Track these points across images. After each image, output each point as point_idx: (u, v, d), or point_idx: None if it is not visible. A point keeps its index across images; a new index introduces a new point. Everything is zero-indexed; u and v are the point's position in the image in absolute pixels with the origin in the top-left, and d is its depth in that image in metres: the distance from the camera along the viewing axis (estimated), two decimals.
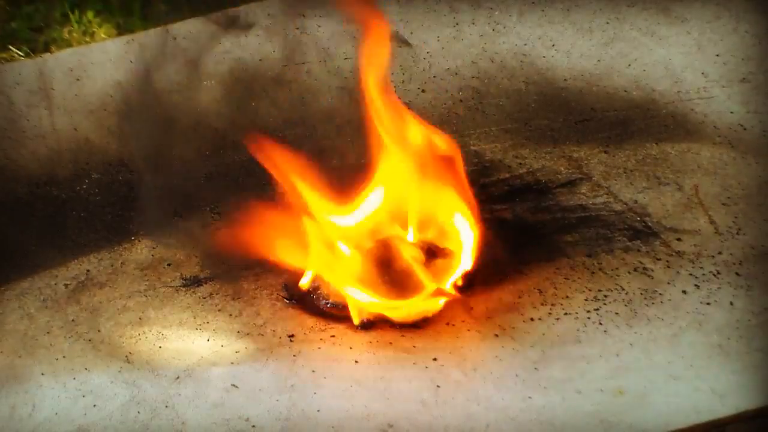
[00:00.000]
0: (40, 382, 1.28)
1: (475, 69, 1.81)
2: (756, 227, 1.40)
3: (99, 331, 1.37)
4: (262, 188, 1.64)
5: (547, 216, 1.51)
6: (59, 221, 1.60)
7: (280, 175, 1.39)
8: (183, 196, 1.64)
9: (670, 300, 1.29)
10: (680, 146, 1.60)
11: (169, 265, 1.50)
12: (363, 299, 1.32)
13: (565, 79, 1.77)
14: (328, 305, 1.38)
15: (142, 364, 1.29)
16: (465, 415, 1.15)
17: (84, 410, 1.22)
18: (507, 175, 1.60)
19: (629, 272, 1.36)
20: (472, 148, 1.65)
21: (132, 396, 1.23)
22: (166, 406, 1.20)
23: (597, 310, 1.30)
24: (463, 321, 1.32)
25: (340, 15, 1.90)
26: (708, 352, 1.20)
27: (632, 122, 1.66)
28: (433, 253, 1.36)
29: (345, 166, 1.64)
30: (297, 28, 1.86)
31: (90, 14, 2.46)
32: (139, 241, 1.56)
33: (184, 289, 1.44)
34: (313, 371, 1.24)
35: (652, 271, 1.35)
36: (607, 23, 1.85)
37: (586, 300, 1.32)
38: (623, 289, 1.33)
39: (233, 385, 1.22)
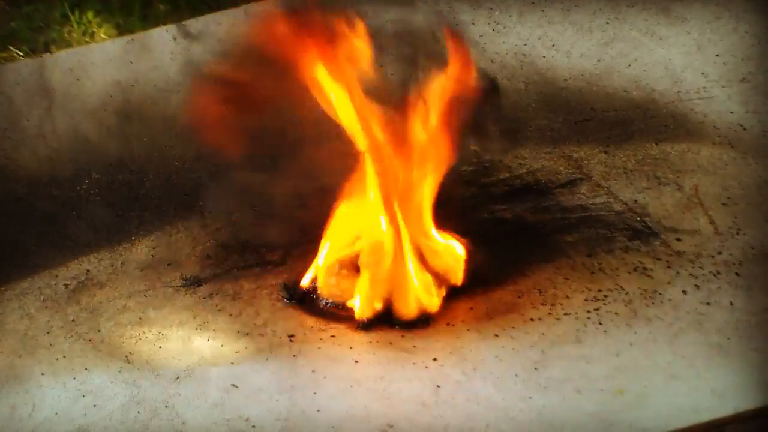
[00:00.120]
0: (40, 382, 1.28)
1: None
2: (756, 227, 1.40)
3: (99, 331, 1.37)
4: (263, 189, 1.64)
5: (547, 216, 1.51)
6: (59, 221, 1.60)
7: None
8: (183, 196, 1.64)
9: (670, 300, 1.29)
10: (680, 146, 1.60)
11: (169, 265, 1.50)
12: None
13: (565, 79, 1.77)
14: (328, 305, 1.38)
15: (142, 364, 1.29)
16: (465, 415, 1.15)
17: (84, 410, 1.22)
18: (507, 175, 1.60)
19: (629, 272, 1.36)
20: (472, 148, 1.65)
21: (132, 396, 1.23)
22: (166, 406, 1.20)
23: (597, 310, 1.30)
24: (463, 321, 1.32)
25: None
26: (708, 352, 1.20)
27: (632, 122, 1.66)
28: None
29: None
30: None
31: (90, 14, 2.46)
32: (139, 241, 1.56)
33: (184, 289, 1.45)
34: (313, 371, 1.24)
35: (652, 271, 1.35)
36: (607, 23, 1.85)
37: (586, 300, 1.32)
38: (623, 289, 1.33)
39: (233, 385, 1.22)
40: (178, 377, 1.25)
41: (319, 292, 1.40)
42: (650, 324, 1.26)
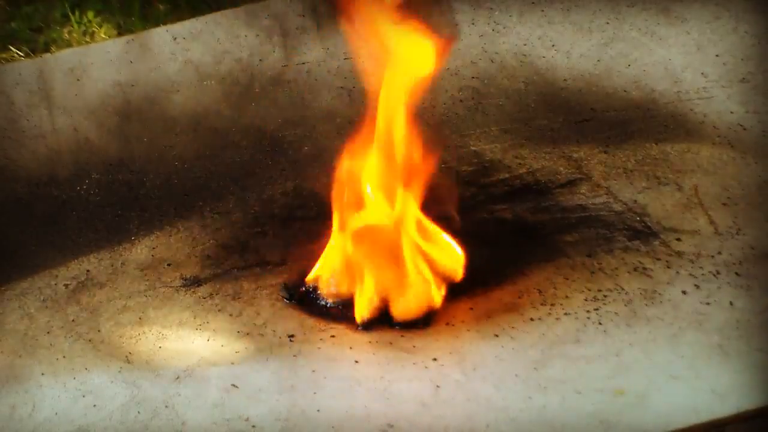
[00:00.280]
0: (40, 382, 1.28)
1: (475, 69, 1.81)
2: (756, 227, 1.40)
3: (99, 331, 1.37)
4: (263, 189, 1.64)
5: (547, 216, 1.51)
6: (59, 221, 1.60)
7: None
8: (183, 196, 1.64)
9: (669, 300, 1.29)
10: (680, 146, 1.60)
11: (169, 265, 1.50)
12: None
13: (564, 79, 1.77)
14: (328, 305, 1.38)
15: (142, 364, 1.29)
16: (465, 415, 1.15)
17: (84, 410, 1.22)
18: (507, 175, 1.60)
19: (629, 272, 1.36)
20: (472, 148, 1.65)
21: (132, 396, 1.23)
22: (166, 406, 1.20)
23: (597, 310, 1.30)
24: (463, 321, 1.32)
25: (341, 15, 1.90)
26: (708, 352, 1.20)
27: (632, 122, 1.66)
28: None
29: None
30: (297, 28, 1.86)
31: (90, 14, 2.46)
32: (139, 241, 1.56)
33: (184, 289, 1.45)
34: (313, 371, 1.24)
35: (652, 271, 1.35)
36: (607, 23, 1.85)
37: (586, 300, 1.32)
38: (623, 289, 1.33)
39: (233, 385, 1.22)
40: (178, 377, 1.25)
41: (319, 292, 1.40)
42: (650, 324, 1.26)
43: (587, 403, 1.14)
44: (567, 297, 1.33)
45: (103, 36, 2.37)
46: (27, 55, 2.27)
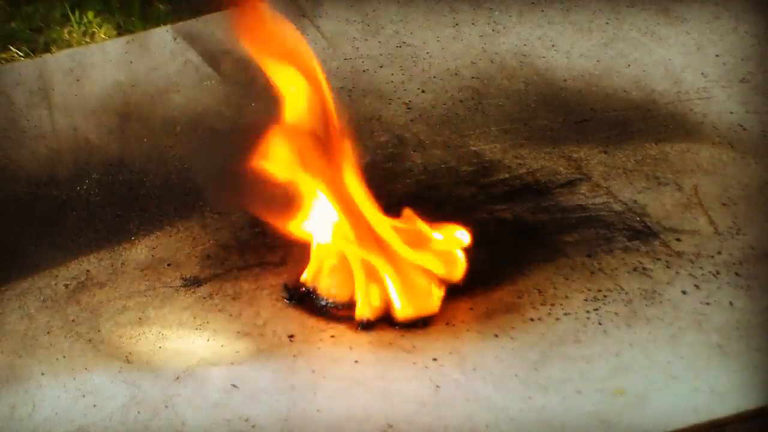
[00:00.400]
0: (40, 382, 1.28)
1: (475, 69, 1.81)
2: (756, 227, 1.40)
3: (99, 331, 1.37)
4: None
5: (546, 216, 1.51)
6: (59, 221, 1.60)
7: None
8: (183, 196, 1.64)
9: (669, 300, 1.29)
10: (680, 146, 1.60)
11: (169, 265, 1.50)
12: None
13: (564, 80, 1.77)
14: (328, 305, 1.38)
15: (142, 364, 1.29)
16: (465, 415, 1.15)
17: (84, 410, 1.22)
18: (507, 175, 1.59)
19: (629, 272, 1.36)
20: (472, 148, 1.65)
21: (132, 396, 1.23)
22: (166, 406, 1.20)
23: (597, 310, 1.30)
24: (463, 321, 1.32)
25: (340, 15, 1.90)
26: (708, 352, 1.20)
27: (632, 122, 1.66)
28: None
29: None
30: (297, 28, 1.86)
31: (90, 14, 2.46)
32: (139, 241, 1.56)
33: (184, 289, 1.44)
34: (313, 371, 1.24)
35: (652, 271, 1.35)
36: (607, 23, 1.85)
37: (585, 300, 1.32)
38: (623, 289, 1.33)
39: (233, 385, 1.22)
40: (178, 377, 1.25)
41: (319, 292, 1.40)
42: (650, 324, 1.26)
43: (587, 403, 1.14)
44: (567, 297, 1.33)
45: (103, 36, 2.37)
46: (27, 55, 2.27)
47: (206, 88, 1.78)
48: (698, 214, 1.45)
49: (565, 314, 1.30)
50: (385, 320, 1.34)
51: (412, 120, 1.72)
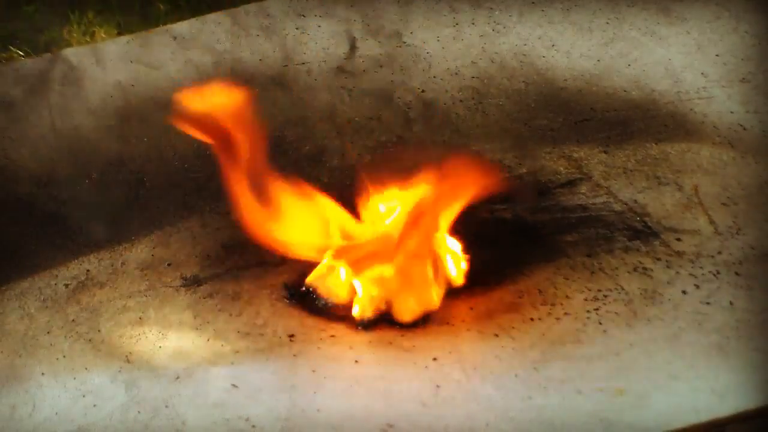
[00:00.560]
0: (41, 381, 1.28)
1: (475, 69, 1.81)
2: (756, 227, 1.40)
3: (99, 331, 1.37)
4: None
5: (547, 216, 1.51)
6: (59, 221, 1.60)
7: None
8: (183, 196, 1.64)
9: (670, 300, 1.29)
10: (680, 146, 1.60)
11: (169, 265, 1.50)
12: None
13: (565, 79, 1.77)
14: (328, 305, 1.38)
15: (142, 364, 1.29)
16: (465, 415, 1.15)
17: (84, 410, 1.22)
18: (507, 175, 1.60)
19: (629, 272, 1.36)
20: (472, 148, 1.65)
21: (132, 396, 1.23)
22: (166, 406, 1.20)
23: (597, 310, 1.30)
24: (463, 321, 1.32)
25: (341, 15, 1.90)
26: (708, 352, 1.20)
27: (632, 122, 1.66)
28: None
29: (345, 165, 1.64)
30: (297, 28, 1.86)
31: (90, 14, 2.46)
32: (139, 241, 1.56)
33: (184, 289, 1.44)
34: (313, 371, 1.24)
35: (652, 271, 1.35)
36: (607, 23, 1.85)
37: (586, 300, 1.32)
38: (623, 289, 1.33)
39: (233, 385, 1.22)
40: (178, 377, 1.25)
41: (319, 292, 1.40)
42: (650, 324, 1.26)
43: (587, 402, 1.14)
44: (567, 297, 1.33)
45: (103, 36, 2.37)
46: (27, 55, 2.27)
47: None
48: (698, 213, 1.45)
49: (566, 314, 1.30)
50: (385, 320, 1.34)
51: (412, 120, 1.72)
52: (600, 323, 1.27)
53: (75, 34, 2.40)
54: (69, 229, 1.59)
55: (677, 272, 1.34)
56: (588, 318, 1.29)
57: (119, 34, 2.34)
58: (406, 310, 1.34)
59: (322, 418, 1.16)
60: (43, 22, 2.47)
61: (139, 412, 1.20)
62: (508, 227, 1.51)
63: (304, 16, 1.88)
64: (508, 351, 1.25)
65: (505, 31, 1.86)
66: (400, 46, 1.86)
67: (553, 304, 1.32)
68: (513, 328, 1.29)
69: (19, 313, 1.43)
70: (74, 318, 1.41)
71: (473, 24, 1.88)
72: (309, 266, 1.44)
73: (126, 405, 1.21)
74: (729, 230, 1.41)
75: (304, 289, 1.41)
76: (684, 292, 1.30)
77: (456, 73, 1.80)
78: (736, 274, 1.32)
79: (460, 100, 1.75)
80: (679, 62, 1.75)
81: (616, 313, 1.29)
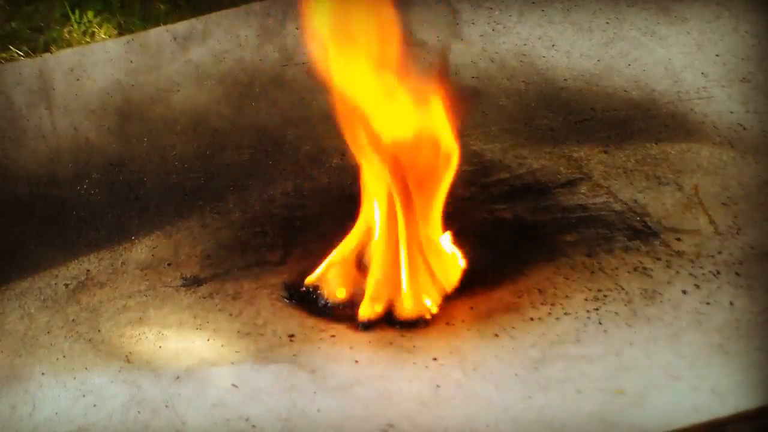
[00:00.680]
0: (41, 381, 1.28)
1: (475, 69, 1.81)
2: (756, 227, 1.40)
3: (99, 331, 1.37)
4: (263, 189, 1.64)
5: (547, 216, 1.51)
6: (59, 221, 1.60)
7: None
8: (183, 196, 1.64)
9: (670, 300, 1.29)
10: (680, 146, 1.60)
11: (169, 265, 1.50)
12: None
13: (565, 79, 1.77)
14: (328, 305, 1.38)
15: (142, 364, 1.29)
16: (465, 415, 1.15)
17: (84, 410, 1.22)
18: (507, 175, 1.60)
19: (629, 272, 1.36)
20: (472, 148, 1.65)
21: (132, 396, 1.23)
22: (166, 406, 1.20)
23: (597, 309, 1.30)
24: (463, 321, 1.32)
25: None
26: (708, 352, 1.20)
27: (632, 122, 1.66)
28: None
29: (345, 165, 1.64)
30: (297, 28, 1.86)
31: (90, 14, 2.46)
32: (139, 241, 1.56)
33: (184, 289, 1.44)
34: (313, 371, 1.24)
35: (652, 271, 1.35)
36: (607, 23, 1.85)
37: (586, 300, 1.32)
38: (623, 289, 1.33)
39: (233, 385, 1.22)
40: (178, 377, 1.25)
41: (319, 292, 1.40)
42: (650, 324, 1.26)
43: (587, 402, 1.14)
44: (567, 297, 1.33)
45: (103, 36, 2.37)
46: (27, 55, 2.27)
47: (206, 88, 1.78)
48: (698, 213, 1.45)
49: (566, 314, 1.30)
50: (385, 320, 1.34)
51: None
52: (600, 323, 1.27)
53: (75, 34, 2.40)
54: (69, 229, 1.59)
55: (677, 272, 1.34)
56: (588, 318, 1.29)
57: (119, 34, 2.34)
58: (407, 310, 1.34)
59: (322, 418, 1.16)
60: (44, 21, 2.47)
61: (139, 412, 1.20)
62: (508, 227, 1.51)
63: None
64: (508, 351, 1.25)
65: (505, 31, 1.86)
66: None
67: (553, 304, 1.32)
68: (513, 328, 1.29)
69: (19, 313, 1.43)
70: (74, 318, 1.41)
71: (473, 24, 1.88)
72: (309, 266, 1.44)
73: (126, 405, 1.21)
74: (729, 230, 1.41)
75: (304, 289, 1.41)
76: (684, 292, 1.30)
77: (456, 73, 1.80)
78: (736, 274, 1.32)
79: (461, 100, 1.75)
80: (679, 62, 1.75)
81: (616, 313, 1.29)
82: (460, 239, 1.44)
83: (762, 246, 1.37)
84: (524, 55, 1.82)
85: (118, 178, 1.67)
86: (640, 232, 1.44)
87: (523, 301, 1.34)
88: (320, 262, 1.42)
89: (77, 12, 2.46)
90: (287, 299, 1.40)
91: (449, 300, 1.37)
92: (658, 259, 1.38)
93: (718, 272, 1.33)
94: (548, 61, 1.80)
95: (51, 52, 2.03)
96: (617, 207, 1.49)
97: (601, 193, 1.53)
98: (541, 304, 1.33)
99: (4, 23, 2.48)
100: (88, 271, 1.51)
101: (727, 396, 1.13)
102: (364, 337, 1.32)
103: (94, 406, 1.22)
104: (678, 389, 1.15)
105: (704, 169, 1.54)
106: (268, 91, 1.79)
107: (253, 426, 1.15)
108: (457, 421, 1.14)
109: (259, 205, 1.61)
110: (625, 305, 1.30)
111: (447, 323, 1.32)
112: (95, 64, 1.80)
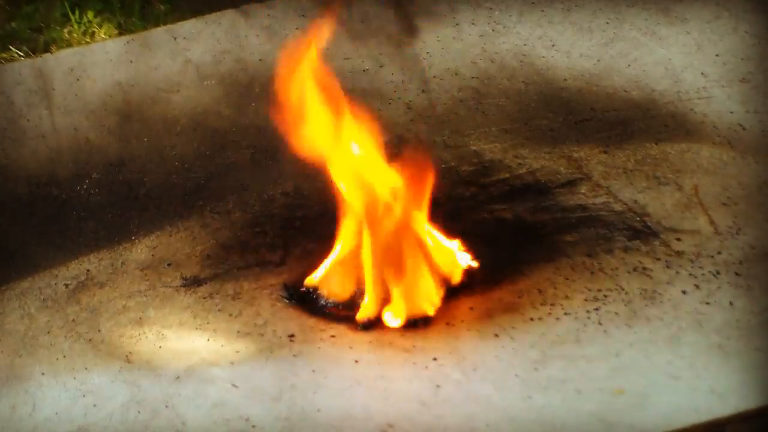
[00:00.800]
0: (41, 381, 1.28)
1: (475, 69, 1.81)
2: (756, 227, 1.40)
3: (99, 331, 1.37)
4: (263, 189, 1.64)
5: (547, 216, 1.51)
6: (59, 221, 1.60)
7: None
8: (183, 196, 1.64)
9: (669, 300, 1.29)
10: (680, 146, 1.60)
11: (169, 265, 1.50)
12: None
13: (565, 79, 1.77)
14: (328, 305, 1.38)
15: (142, 364, 1.29)
16: (465, 415, 1.15)
17: (84, 410, 1.22)
18: (507, 175, 1.60)
19: (629, 272, 1.36)
20: (472, 148, 1.65)
21: (132, 396, 1.23)
22: (166, 406, 1.20)
23: (597, 310, 1.30)
24: (463, 321, 1.32)
25: (341, 15, 1.90)
26: (708, 352, 1.20)
27: (632, 122, 1.66)
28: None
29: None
30: (297, 28, 1.86)
31: (90, 14, 2.46)
32: (139, 241, 1.56)
33: (184, 289, 1.45)
34: (313, 371, 1.24)
35: (652, 271, 1.35)
36: (607, 23, 1.85)
37: (586, 300, 1.32)
38: (623, 289, 1.33)
39: (233, 385, 1.22)
40: (178, 377, 1.25)
41: (319, 292, 1.40)
42: (650, 324, 1.26)
43: (587, 402, 1.14)
44: (567, 297, 1.33)
45: (103, 36, 2.37)
46: (27, 55, 2.27)
47: (206, 88, 1.78)
48: (698, 213, 1.45)
49: (566, 314, 1.30)
50: (385, 320, 1.34)
51: (412, 120, 1.72)
52: (600, 323, 1.27)
53: (75, 34, 2.40)
54: (69, 229, 1.59)
55: (677, 272, 1.34)
56: (588, 318, 1.29)
57: (119, 34, 2.34)
58: (407, 310, 1.34)
59: (322, 418, 1.16)
60: (43, 21, 2.47)
61: (139, 412, 1.20)
62: (508, 227, 1.51)
63: (304, 16, 1.87)
64: (509, 351, 1.25)
65: (505, 31, 1.86)
66: (400, 46, 1.86)
67: (553, 304, 1.32)
68: (513, 328, 1.29)
69: (19, 313, 1.43)
70: (74, 318, 1.41)
71: (473, 24, 1.88)
72: (309, 266, 1.44)
73: (126, 405, 1.21)
74: (729, 230, 1.41)
75: (304, 289, 1.41)
76: (684, 292, 1.30)
77: (456, 73, 1.80)
78: (736, 274, 1.32)
79: (460, 100, 1.75)
80: (679, 62, 1.75)
81: (616, 313, 1.29)
82: (460, 239, 1.44)
83: (762, 246, 1.37)
84: (524, 55, 1.82)
85: (118, 178, 1.67)
86: (640, 232, 1.44)
87: (523, 301, 1.34)
88: (320, 262, 1.42)
89: (77, 12, 2.46)
90: (287, 299, 1.40)
91: (449, 300, 1.37)
92: (658, 259, 1.38)
93: (718, 272, 1.33)
94: (548, 61, 1.80)
95: (51, 52, 2.03)
96: (617, 207, 1.49)
97: (601, 193, 1.53)
98: (541, 304, 1.33)
99: (4, 23, 2.48)
100: (88, 271, 1.51)
101: (727, 396, 1.13)
102: (364, 337, 1.32)
103: (94, 406, 1.22)
104: (678, 389, 1.15)
105: (704, 169, 1.54)
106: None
107: (253, 426, 1.15)
108: (457, 421, 1.14)
109: (259, 205, 1.61)
110: (625, 305, 1.30)
111: (447, 323, 1.32)
112: (95, 64, 1.80)
